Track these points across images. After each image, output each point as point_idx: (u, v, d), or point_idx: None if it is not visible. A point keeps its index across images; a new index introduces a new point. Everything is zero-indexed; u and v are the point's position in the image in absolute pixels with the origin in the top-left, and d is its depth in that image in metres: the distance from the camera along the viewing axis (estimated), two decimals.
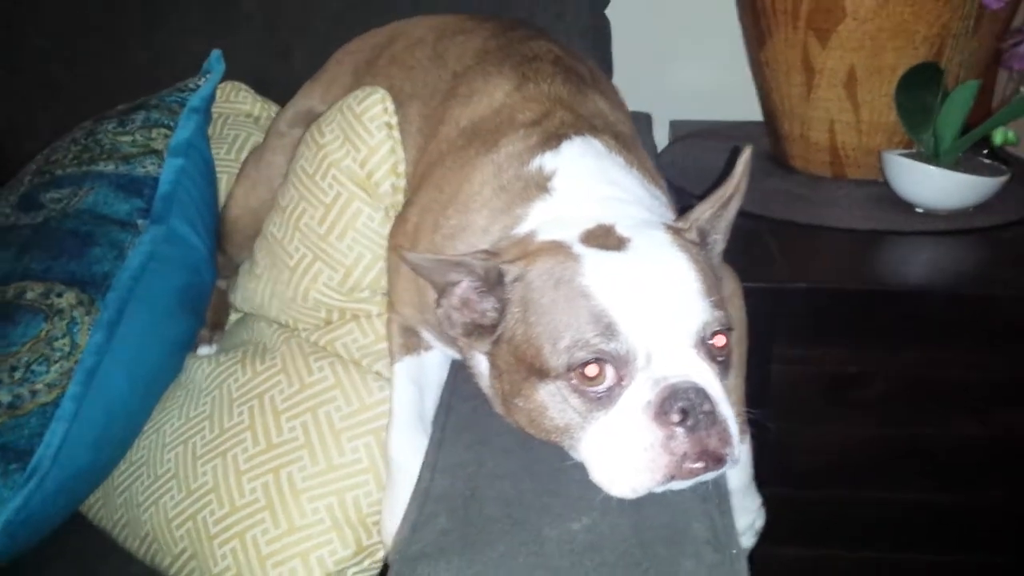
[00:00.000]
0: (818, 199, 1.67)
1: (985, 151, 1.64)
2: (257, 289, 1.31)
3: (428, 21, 1.41)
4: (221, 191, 1.51)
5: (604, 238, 0.92)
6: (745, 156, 0.98)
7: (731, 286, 1.14)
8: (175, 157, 1.37)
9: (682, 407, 0.82)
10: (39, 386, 1.16)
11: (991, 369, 1.46)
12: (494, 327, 0.93)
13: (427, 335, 1.14)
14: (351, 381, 1.19)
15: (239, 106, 1.64)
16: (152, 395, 1.30)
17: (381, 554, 1.15)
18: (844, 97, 1.61)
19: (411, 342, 1.15)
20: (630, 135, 1.18)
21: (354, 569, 1.13)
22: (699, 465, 0.83)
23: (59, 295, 1.22)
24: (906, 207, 1.59)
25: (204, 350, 1.40)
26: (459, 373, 1.09)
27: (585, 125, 1.10)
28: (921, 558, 1.54)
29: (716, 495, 0.88)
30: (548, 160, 1.04)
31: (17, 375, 1.16)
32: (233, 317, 1.48)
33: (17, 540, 1.11)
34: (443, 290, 0.94)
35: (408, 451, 1.05)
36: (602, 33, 1.79)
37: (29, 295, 1.22)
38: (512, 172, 1.04)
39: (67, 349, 1.18)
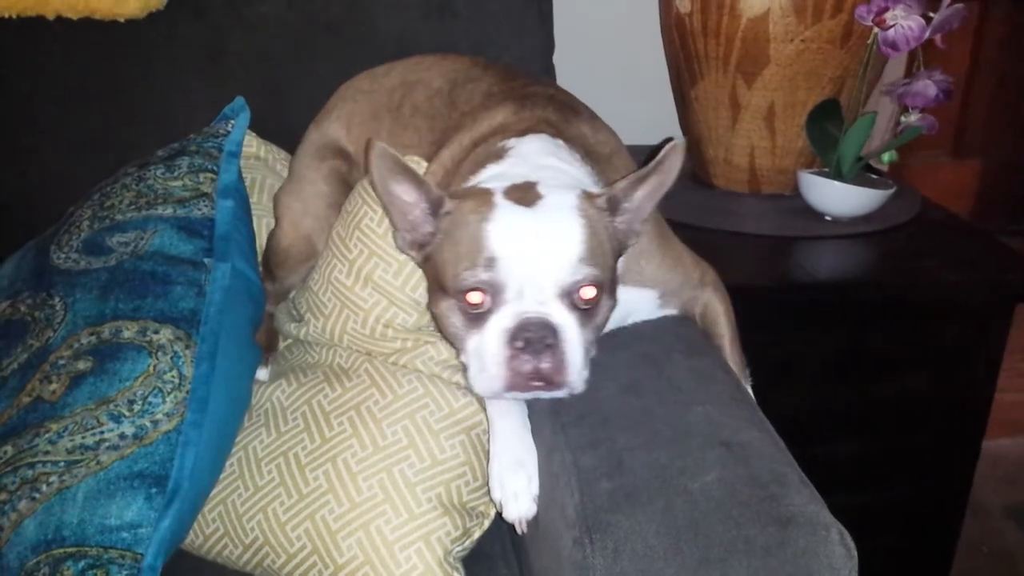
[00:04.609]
0: (743, 211, 2.01)
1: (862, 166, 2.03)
2: (327, 326, 1.46)
3: (440, 67, 1.61)
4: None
5: (523, 193, 1.17)
6: (673, 145, 1.17)
7: (710, 277, 1.46)
8: (224, 199, 1.50)
9: (527, 336, 1.10)
10: (159, 416, 1.27)
11: (895, 340, 1.84)
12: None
13: None
14: (438, 390, 1.38)
15: (247, 149, 1.75)
16: (241, 417, 1.43)
17: (477, 535, 1.36)
18: (764, 128, 1.96)
19: None
20: (605, 153, 1.41)
21: (458, 548, 1.33)
22: (536, 384, 1.11)
23: (155, 332, 1.33)
24: (816, 216, 1.95)
25: (261, 374, 1.53)
26: None
27: (560, 135, 1.35)
28: (851, 498, 1.90)
29: (786, 451, 1.17)
30: (512, 142, 1.32)
31: (136, 408, 1.27)
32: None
33: (165, 557, 1.23)
34: (393, 205, 1.21)
35: (507, 413, 1.27)
36: (550, 73, 2.05)
37: (126, 333, 1.33)
38: (483, 151, 1.33)
39: (176, 381, 1.30)
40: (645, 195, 1.20)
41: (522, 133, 1.34)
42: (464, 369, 1.18)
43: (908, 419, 1.87)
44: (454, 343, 1.19)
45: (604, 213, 1.18)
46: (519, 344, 1.09)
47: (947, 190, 3.89)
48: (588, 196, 1.18)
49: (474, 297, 1.12)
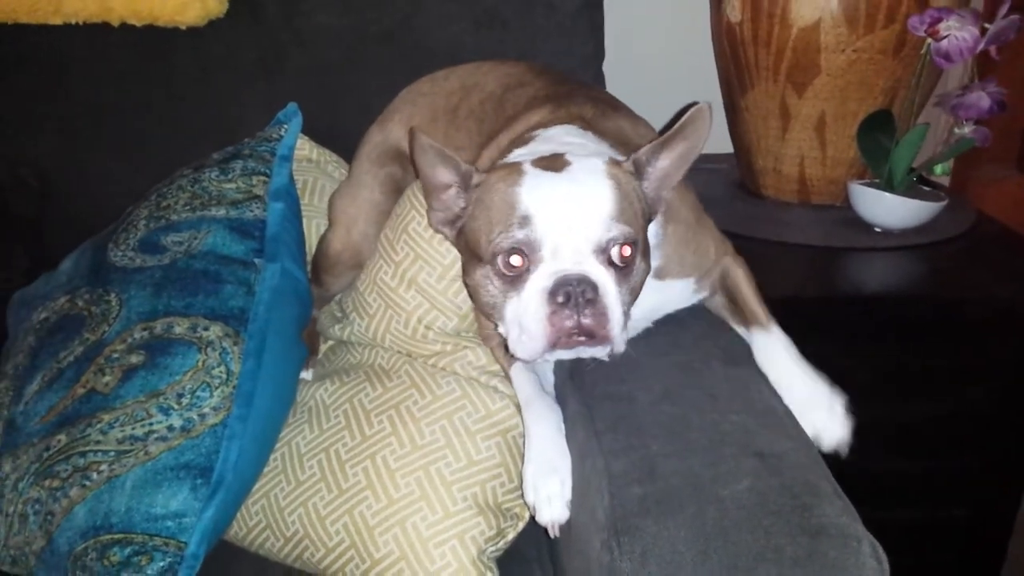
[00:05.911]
0: (792, 221, 2.00)
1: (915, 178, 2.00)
2: (370, 326, 1.49)
3: (497, 72, 1.63)
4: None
5: (552, 162, 1.19)
6: (698, 108, 1.18)
7: (728, 246, 1.43)
8: (276, 201, 1.54)
9: (567, 291, 1.10)
10: (206, 410, 1.31)
11: (945, 355, 1.81)
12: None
13: None
14: (476, 393, 1.40)
15: (299, 152, 1.80)
16: (285, 414, 1.47)
17: (511, 535, 1.37)
18: (814, 138, 1.94)
19: None
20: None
21: (492, 548, 1.35)
22: (580, 338, 1.11)
23: (205, 328, 1.37)
24: (866, 227, 1.93)
25: (303, 375, 1.57)
26: (584, 378, 1.32)
27: (590, 128, 1.36)
28: (897, 514, 1.87)
29: (821, 462, 1.16)
30: (539, 131, 1.34)
31: (184, 401, 1.31)
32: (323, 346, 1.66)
33: (208, 546, 1.27)
34: (435, 190, 1.24)
35: (542, 418, 1.29)
36: (599, 82, 2.06)
37: (177, 329, 1.37)
38: (515, 143, 1.35)
39: (224, 376, 1.34)
40: (672, 161, 1.22)
41: (548, 125, 1.36)
42: (504, 339, 1.19)
43: (957, 435, 1.83)
44: (491, 313, 1.20)
45: (631, 176, 1.20)
46: (560, 299, 1.10)
47: (1013, 204, 3.80)
48: (614, 162, 1.20)
49: (515, 260, 1.13)
